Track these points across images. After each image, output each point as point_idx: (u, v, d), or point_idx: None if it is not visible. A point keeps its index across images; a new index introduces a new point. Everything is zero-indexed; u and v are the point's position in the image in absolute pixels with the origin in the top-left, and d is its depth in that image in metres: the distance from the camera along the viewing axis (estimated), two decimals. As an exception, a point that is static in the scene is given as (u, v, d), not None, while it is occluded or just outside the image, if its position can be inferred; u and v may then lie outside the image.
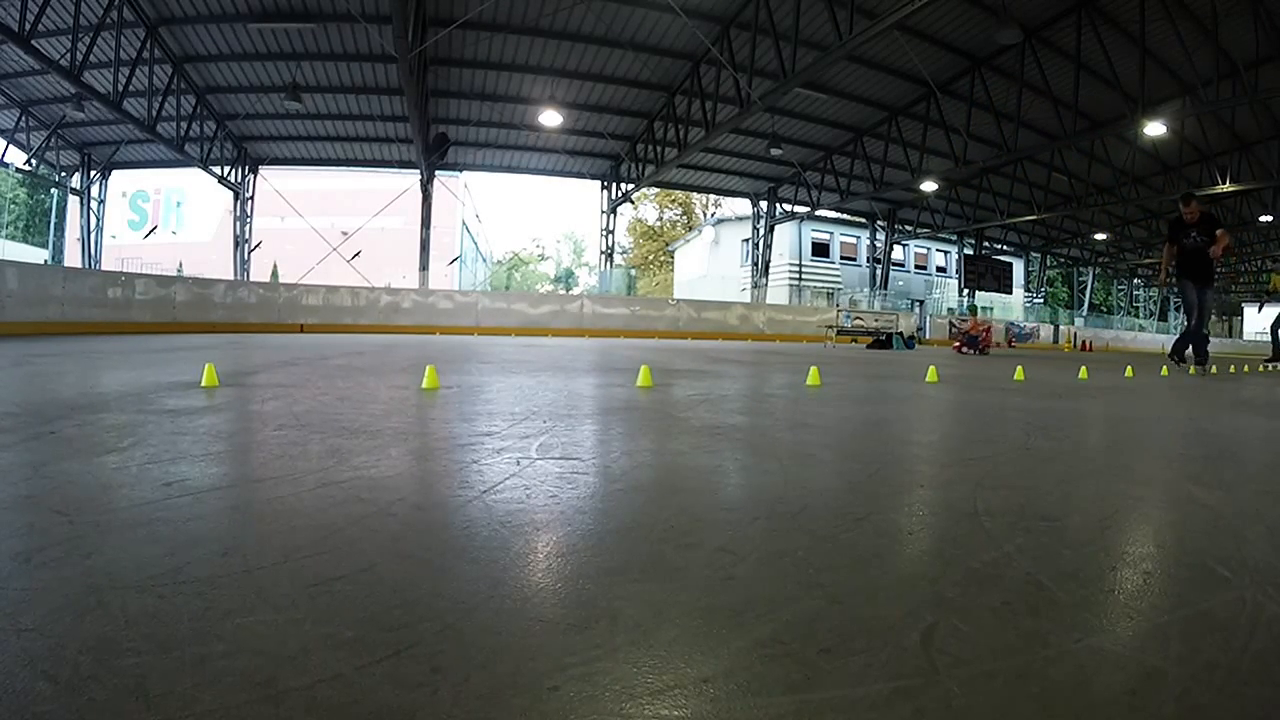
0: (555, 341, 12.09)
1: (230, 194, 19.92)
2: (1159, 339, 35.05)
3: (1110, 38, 12.77)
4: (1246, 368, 8.64)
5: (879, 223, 25.86)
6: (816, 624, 0.72)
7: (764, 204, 23.96)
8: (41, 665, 0.59)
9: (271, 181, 20.55)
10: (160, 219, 28.32)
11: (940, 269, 31.22)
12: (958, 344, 13.20)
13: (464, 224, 29.72)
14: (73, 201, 20.74)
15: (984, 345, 12.92)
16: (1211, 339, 9.22)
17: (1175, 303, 46.30)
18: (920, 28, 13.20)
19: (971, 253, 28.08)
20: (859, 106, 17.21)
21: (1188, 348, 7.11)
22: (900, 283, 27.84)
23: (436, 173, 19.53)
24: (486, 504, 1.18)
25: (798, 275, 27.09)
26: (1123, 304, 39.67)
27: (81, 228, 19.98)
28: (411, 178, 19.67)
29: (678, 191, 37.00)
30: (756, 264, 24.32)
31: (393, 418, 2.22)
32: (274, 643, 0.65)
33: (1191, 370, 6.97)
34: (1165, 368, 7.44)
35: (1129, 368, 7.14)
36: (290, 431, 1.88)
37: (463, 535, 1.01)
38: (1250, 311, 38.24)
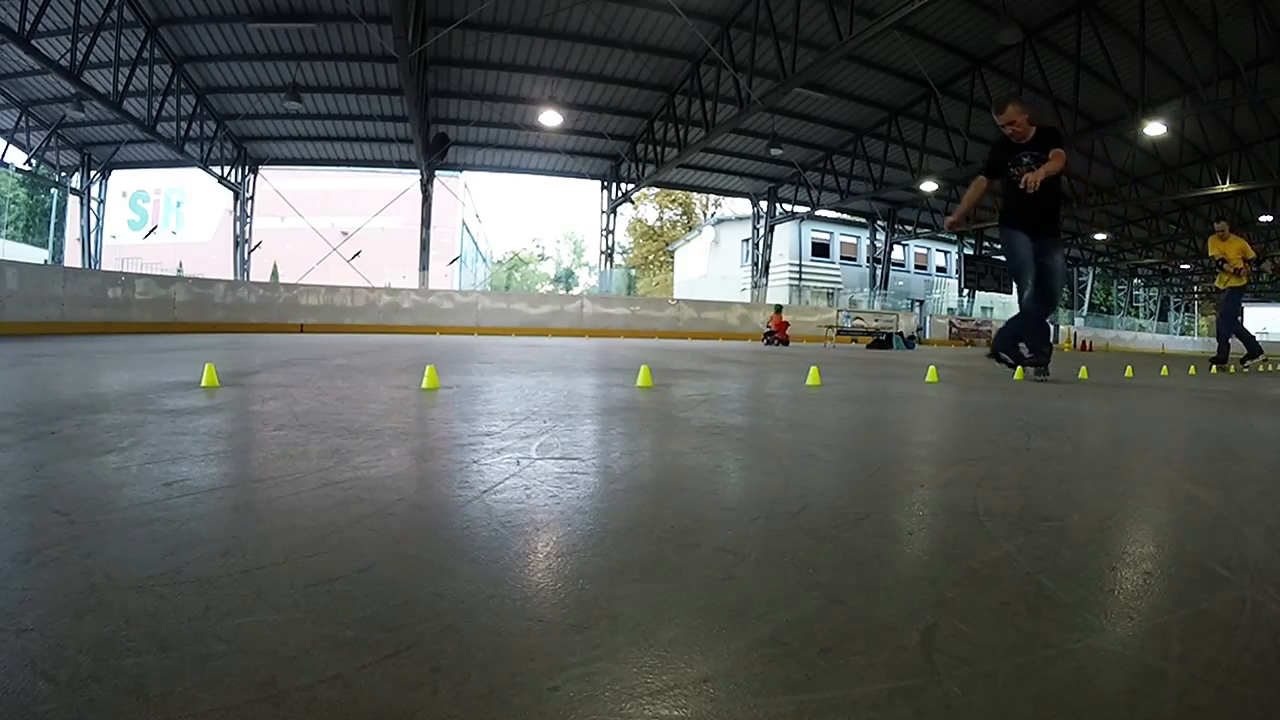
0: (555, 341, 12.08)
1: (230, 194, 19.93)
2: (1159, 339, 35.06)
3: (1110, 38, 12.77)
4: (1233, 368, 8.41)
5: (879, 223, 25.88)
6: (816, 624, 0.72)
7: (764, 204, 23.97)
8: (41, 665, 0.59)
9: (271, 181, 20.56)
10: (160, 219, 28.33)
11: (940, 269, 31.26)
12: (764, 338, 15.78)
13: (464, 224, 29.74)
14: (73, 201, 20.75)
15: (780, 338, 15.41)
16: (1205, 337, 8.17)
17: (1176, 302, 45.76)
18: (920, 28, 13.21)
19: (971, 253, 28.09)
20: (859, 106, 17.23)
21: (1020, 341, 4.92)
22: (900, 283, 27.87)
23: (436, 173, 19.54)
24: (486, 504, 1.18)
25: (798, 275, 27.11)
26: (1122, 304, 39.68)
27: (81, 228, 19.99)
28: (411, 178, 19.67)
29: (678, 191, 37.03)
30: (756, 264, 24.33)
31: (393, 418, 2.22)
32: (274, 643, 0.65)
33: (1018, 374, 4.78)
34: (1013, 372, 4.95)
35: (1129, 367, 7.13)
36: (290, 432, 1.87)
37: (463, 535, 1.01)
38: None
